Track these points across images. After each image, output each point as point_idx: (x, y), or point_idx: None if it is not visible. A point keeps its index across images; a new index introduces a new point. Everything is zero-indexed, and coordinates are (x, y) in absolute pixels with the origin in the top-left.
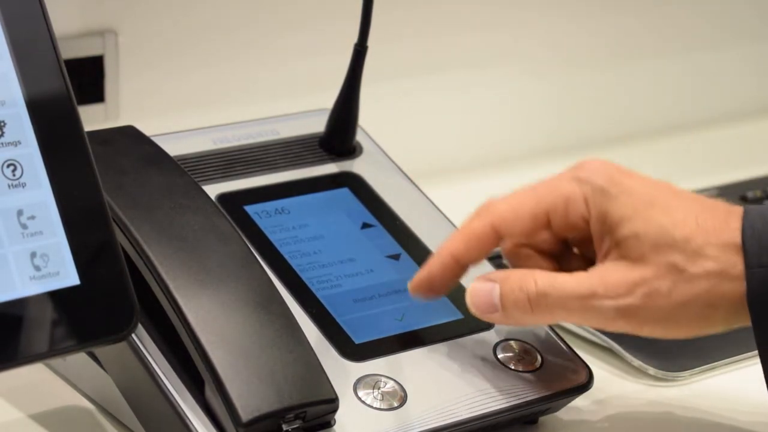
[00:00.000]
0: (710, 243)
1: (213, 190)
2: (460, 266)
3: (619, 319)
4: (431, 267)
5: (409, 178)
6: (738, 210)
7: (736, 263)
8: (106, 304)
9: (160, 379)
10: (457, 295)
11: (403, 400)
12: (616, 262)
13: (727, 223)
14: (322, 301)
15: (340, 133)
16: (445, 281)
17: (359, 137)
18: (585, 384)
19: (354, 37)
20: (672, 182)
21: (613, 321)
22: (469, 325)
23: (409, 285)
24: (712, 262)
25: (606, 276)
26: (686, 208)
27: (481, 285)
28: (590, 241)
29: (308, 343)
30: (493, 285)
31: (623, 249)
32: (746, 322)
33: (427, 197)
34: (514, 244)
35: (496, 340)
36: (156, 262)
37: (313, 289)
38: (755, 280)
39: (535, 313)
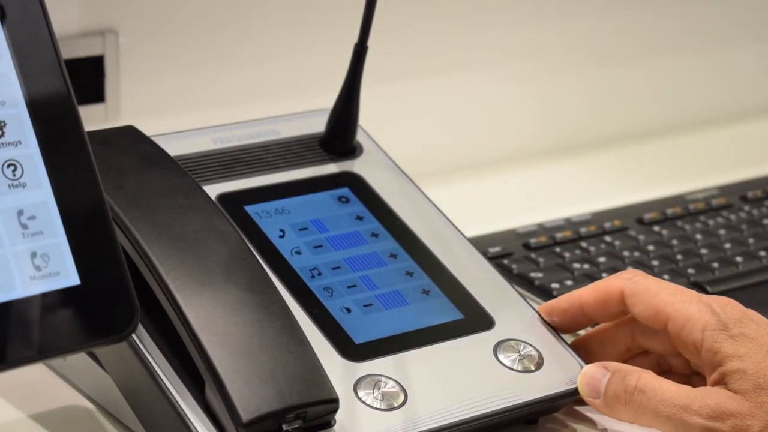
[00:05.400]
0: None
1: (213, 190)
2: (583, 313)
3: None
4: (560, 299)
5: (410, 178)
6: None
7: None
8: (106, 304)
9: (161, 379)
10: (457, 295)
11: (404, 400)
12: (719, 389)
13: None
14: (323, 301)
15: (341, 133)
16: (565, 317)
17: (359, 137)
18: None
19: (354, 37)
20: (674, 182)
21: None
22: (469, 325)
23: (540, 307)
24: None
25: (705, 396)
26: None
27: (596, 370)
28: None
29: (308, 343)
30: (606, 373)
31: (728, 380)
32: None
33: (427, 197)
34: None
35: (497, 340)
36: (156, 262)
37: (313, 289)
38: None
39: (628, 407)
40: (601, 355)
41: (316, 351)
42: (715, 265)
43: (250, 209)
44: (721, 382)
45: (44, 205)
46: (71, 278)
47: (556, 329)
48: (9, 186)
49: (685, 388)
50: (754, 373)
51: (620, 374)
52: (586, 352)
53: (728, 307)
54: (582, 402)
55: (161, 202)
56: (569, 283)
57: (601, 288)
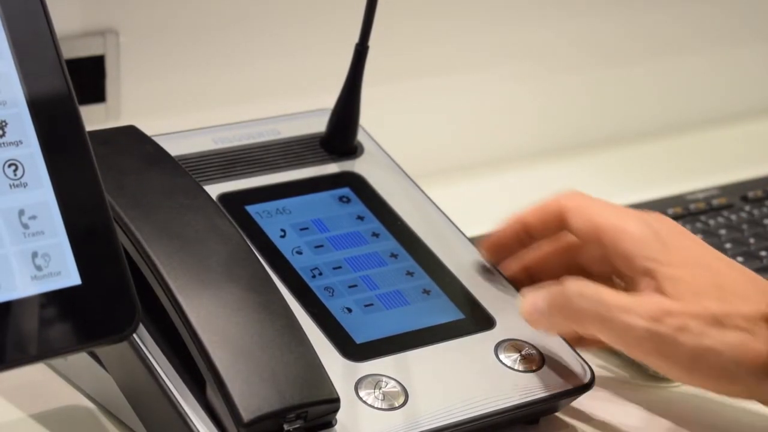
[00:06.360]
0: (747, 308)
1: (214, 190)
2: (527, 234)
3: (647, 342)
4: (501, 229)
5: (410, 178)
6: None
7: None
8: (107, 304)
9: (162, 379)
10: (458, 295)
11: (405, 400)
12: (658, 294)
13: (766, 295)
14: (323, 300)
15: (342, 133)
16: (511, 244)
17: (360, 137)
18: (586, 384)
19: (355, 37)
20: (674, 182)
21: (641, 343)
22: (471, 325)
23: (482, 243)
24: (746, 323)
25: (645, 299)
26: (732, 278)
27: (533, 290)
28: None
29: (309, 342)
30: (543, 291)
31: (665, 286)
32: (763, 394)
33: (428, 197)
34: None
35: (498, 340)
36: (157, 262)
37: (314, 288)
38: None
39: (570, 314)
40: (542, 280)
41: (317, 351)
42: None
43: (250, 209)
44: (658, 290)
45: (45, 205)
46: (72, 278)
47: (499, 260)
48: (10, 186)
49: (624, 293)
50: (691, 282)
51: (559, 287)
52: (528, 277)
53: (663, 221)
54: (583, 402)
55: (162, 202)
56: None
57: (542, 206)
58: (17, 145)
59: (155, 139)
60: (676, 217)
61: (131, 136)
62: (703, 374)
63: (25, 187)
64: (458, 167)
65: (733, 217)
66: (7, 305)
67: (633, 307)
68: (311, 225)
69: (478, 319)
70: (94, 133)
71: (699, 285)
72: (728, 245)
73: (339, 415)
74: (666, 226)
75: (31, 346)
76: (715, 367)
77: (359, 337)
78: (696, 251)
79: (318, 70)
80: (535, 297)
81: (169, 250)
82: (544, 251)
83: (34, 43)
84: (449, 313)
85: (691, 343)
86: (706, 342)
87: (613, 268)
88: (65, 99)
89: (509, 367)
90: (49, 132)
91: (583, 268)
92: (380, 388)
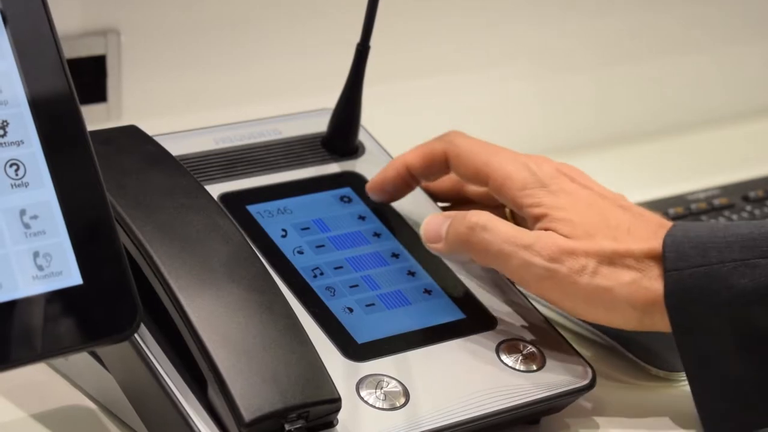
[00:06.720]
0: (638, 247)
1: (215, 189)
2: (411, 176)
3: (545, 281)
4: (386, 169)
5: None
6: (667, 224)
7: (656, 268)
8: (108, 304)
9: (163, 379)
10: (459, 295)
11: (406, 400)
12: (552, 233)
13: (656, 233)
14: (325, 300)
15: (343, 132)
16: (396, 186)
17: (361, 137)
18: (588, 384)
19: (356, 37)
20: (675, 182)
21: (539, 281)
22: (472, 325)
23: (367, 185)
24: (637, 262)
25: (544, 238)
26: (620, 217)
27: (436, 217)
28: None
29: (311, 342)
30: (447, 219)
31: (557, 227)
32: (653, 325)
33: (429, 196)
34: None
35: (499, 340)
36: (159, 262)
37: (315, 288)
38: (671, 282)
39: (471, 244)
40: None
41: (319, 351)
42: None
43: (252, 209)
44: (550, 230)
45: (46, 204)
46: (73, 278)
47: (389, 199)
48: (11, 185)
49: (524, 230)
50: (581, 222)
51: (461, 216)
52: None
53: (544, 165)
54: (584, 402)
55: (163, 202)
56: None
57: (425, 151)
58: (18, 144)
59: (156, 138)
60: (677, 217)
61: (132, 135)
62: (598, 310)
63: (26, 186)
64: None
65: (735, 217)
66: (9, 305)
67: (535, 246)
68: (312, 225)
69: (480, 319)
70: (96, 133)
71: (590, 225)
72: None
73: (340, 415)
74: (547, 168)
75: (33, 346)
76: (608, 304)
77: (360, 337)
78: (580, 193)
79: (318, 70)
80: (438, 222)
81: (170, 250)
82: (434, 186)
83: (36, 42)
84: (450, 313)
85: (586, 282)
86: (600, 281)
87: (501, 204)
88: (66, 99)
89: (510, 367)
90: (51, 132)
91: (473, 203)
92: (381, 388)
